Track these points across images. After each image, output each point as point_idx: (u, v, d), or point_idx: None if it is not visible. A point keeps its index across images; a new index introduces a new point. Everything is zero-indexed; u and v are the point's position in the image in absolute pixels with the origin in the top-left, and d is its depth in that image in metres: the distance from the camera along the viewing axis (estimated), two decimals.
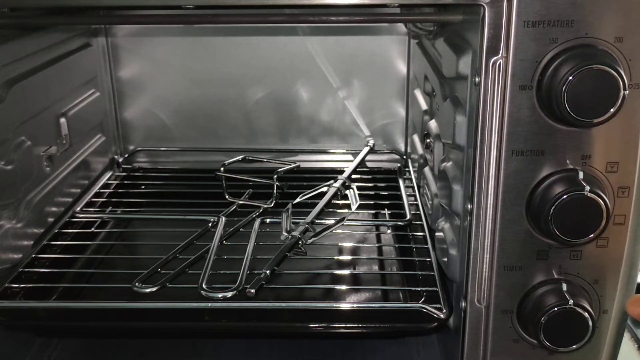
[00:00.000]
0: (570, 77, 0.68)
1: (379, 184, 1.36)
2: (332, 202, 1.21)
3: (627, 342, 1.07)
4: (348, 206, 1.20)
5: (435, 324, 0.89)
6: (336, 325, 0.91)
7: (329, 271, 1.06)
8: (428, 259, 1.03)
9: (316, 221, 1.11)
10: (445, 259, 0.91)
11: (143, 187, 1.41)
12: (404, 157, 1.46)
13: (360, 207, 1.20)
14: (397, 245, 1.15)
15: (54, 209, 1.17)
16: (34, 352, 1.02)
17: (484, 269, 0.79)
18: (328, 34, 1.40)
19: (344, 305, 0.94)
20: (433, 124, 1.07)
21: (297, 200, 1.18)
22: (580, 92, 0.69)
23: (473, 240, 0.79)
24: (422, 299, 0.93)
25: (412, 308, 0.92)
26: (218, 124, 1.47)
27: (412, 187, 1.32)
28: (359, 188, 1.26)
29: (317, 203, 1.17)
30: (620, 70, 0.68)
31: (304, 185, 1.27)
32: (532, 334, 0.79)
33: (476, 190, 0.77)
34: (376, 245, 1.16)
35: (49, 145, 1.16)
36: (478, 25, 0.72)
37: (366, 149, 1.45)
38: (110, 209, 1.29)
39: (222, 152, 1.42)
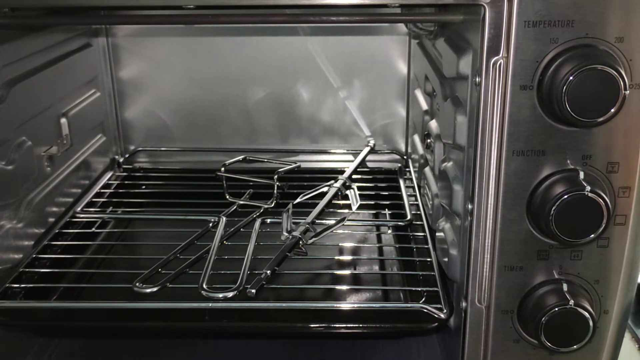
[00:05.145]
0: (571, 77, 0.68)
1: (379, 184, 1.36)
2: (333, 202, 1.21)
3: (627, 343, 1.07)
4: (349, 206, 1.20)
5: (436, 324, 0.89)
6: (337, 325, 0.91)
7: (330, 271, 1.06)
8: (428, 259, 1.03)
9: (317, 221, 1.11)
10: (446, 259, 0.91)
11: (144, 187, 1.41)
12: (405, 157, 1.46)
13: (360, 207, 1.20)
14: (397, 246, 1.15)
15: (54, 209, 1.17)
16: (35, 352, 1.02)
17: (485, 269, 0.79)
18: (329, 34, 1.40)
19: (345, 306, 0.94)
20: (433, 124, 1.07)
21: (298, 200, 1.18)
22: (580, 92, 0.69)
23: (474, 240, 0.79)
24: (423, 299, 0.93)
25: (413, 308, 0.92)
26: (219, 124, 1.47)
27: (413, 187, 1.32)
28: (359, 188, 1.26)
29: (318, 203, 1.17)
30: (620, 70, 0.68)
31: (305, 186, 1.27)
32: (533, 334, 0.79)
33: (477, 190, 0.77)
34: (377, 245, 1.16)
35: (50, 145, 1.16)
36: (478, 25, 0.72)
37: (367, 149, 1.45)
38: (110, 209, 1.29)
39: (223, 152, 1.43)
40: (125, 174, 1.44)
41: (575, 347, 0.78)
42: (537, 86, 0.72)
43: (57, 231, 1.16)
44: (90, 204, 1.28)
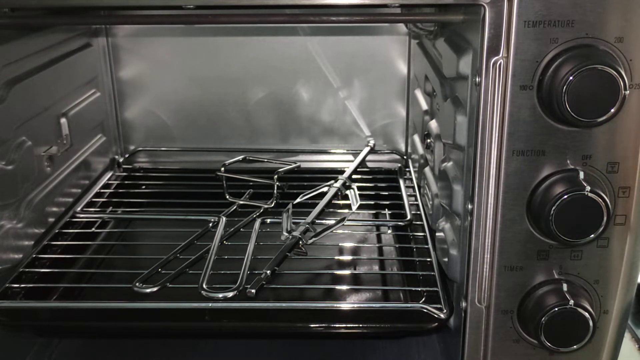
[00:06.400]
0: (571, 77, 0.68)
1: (379, 184, 1.36)
2: (333, 202, 1.21)
3: (627, 342, 1.07)
4: (348, 206, 1.20)
5: (436, 324, 0.89)
6: (337, 325, 0.91)
7: (330, 271, 1.06)
8: (428, 259, 1.03)
9: (317, 221, 1.11)
10: (446, 259, 0.91)
11: (143, 187, 1.41)
12: (405, 157, 1.46)
13: (360, 207, 1.20)
14: (397, 246, 1.15)
15: (54, 209, 1.17)
16: (35, 352, 1.02)
17: (485, 269, 0.79)
18: (329, 34, 1.40)
19: (345, 306, 0.94)
20: (433, 124, 1.07)
21: (298, 200, 1.18)
22: (580, 92, 0.69)
23: (473, 240, 0.79)
24: (423, 299, 0.93)
25: (413, 308, 0.92)
26: (219, 124, 1.47)
27: (413, 187, 1.32)
28: (359, 188, 1.26)
29: (318, 203, 1.17)
30: (620, 70, 0.68)
31: (305, 186, 1.27)
32: (533, 334, 0.79)
33: (477, 190, 0.77)
34: (377, 245, 1.16)
35: (50, 146, 1.16)
36: (478, 25, 0.72)
37: (367, 149, 1.45)
38: (110, 209, 1.29)
39: (223, 152, 1.43)
40: (125, 174, 1.44)
41: (575, 347, 0.78)
42: (537, 86, 0.72)
43: (57, 231, 1.15)
44: (90, 204, 1.28)
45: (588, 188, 0.72)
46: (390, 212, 1.27)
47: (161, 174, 1.46)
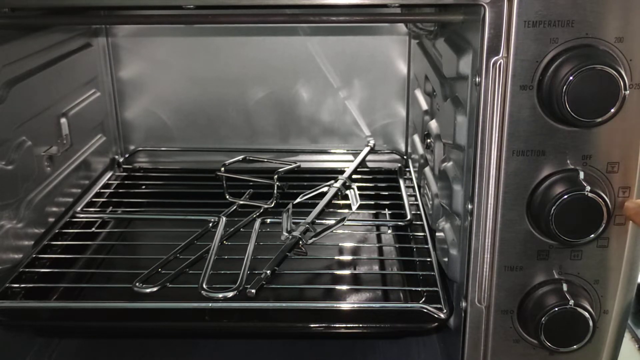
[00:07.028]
0: (571, 77, 0.68)
1: (379, 184, 1.36)
2: (333, 202, 1.21)
3: (627, 342, 1.07)
4: (348, 206, 1.20)
5: (436, 324, 0.89)
6: (337, 325, 0.91)
7: (330, 271, 1.06)
8: (428, 259, 1.03)
9: (317, 221, 1.11)
10: (446, 259, 0.91)
11: (143, 187, 1.41)
12: (405, 157, 1.46)
13: (360, 207, 1.20)
14: (397, 246, 1.15)
15: (54, 209, 1.17)
16: (35, 352, 1.02)
17: (485, 269, 0.79)
18: (329, 34, 1.40)
19: (345, 306, 0.94)
20: (433, 124, 1.07)
21: (298, 200, 1.18)
22: (580, 92, 0.69)
23: (474, 240, 0.79)
24: (423, 299, 0.93)
25: (413, 308, 0.92)
26: (218, 124, 1.47)
27: (413, 187, 1.32)
28: (359, 188, 1.26)
29: (318, 203, 1.17)
30: (620, 70, 0.68)
31: (305, 186, 1.27)
32: (533, 334, 0.79)
33: (477, 190, 0.77)
34: (377, 245, 1.16)
35: (50, 145, 1.16)
36: (478, 25, 0.72)
37: (367, 149, 1.45)
38: (110, 209, 1.29)
39: (223, 152, 1.43)
40: (125, 174, 1.44)
41: (575, 347, 0.78)
42: (537, 86, 0.72)
43: (57, 231, 1.15)
44: (90, 204, 1.28)
45: (588, 188, 0.72)
46: (390, 212, 1.27)
47: (161, 174, 1.46)
